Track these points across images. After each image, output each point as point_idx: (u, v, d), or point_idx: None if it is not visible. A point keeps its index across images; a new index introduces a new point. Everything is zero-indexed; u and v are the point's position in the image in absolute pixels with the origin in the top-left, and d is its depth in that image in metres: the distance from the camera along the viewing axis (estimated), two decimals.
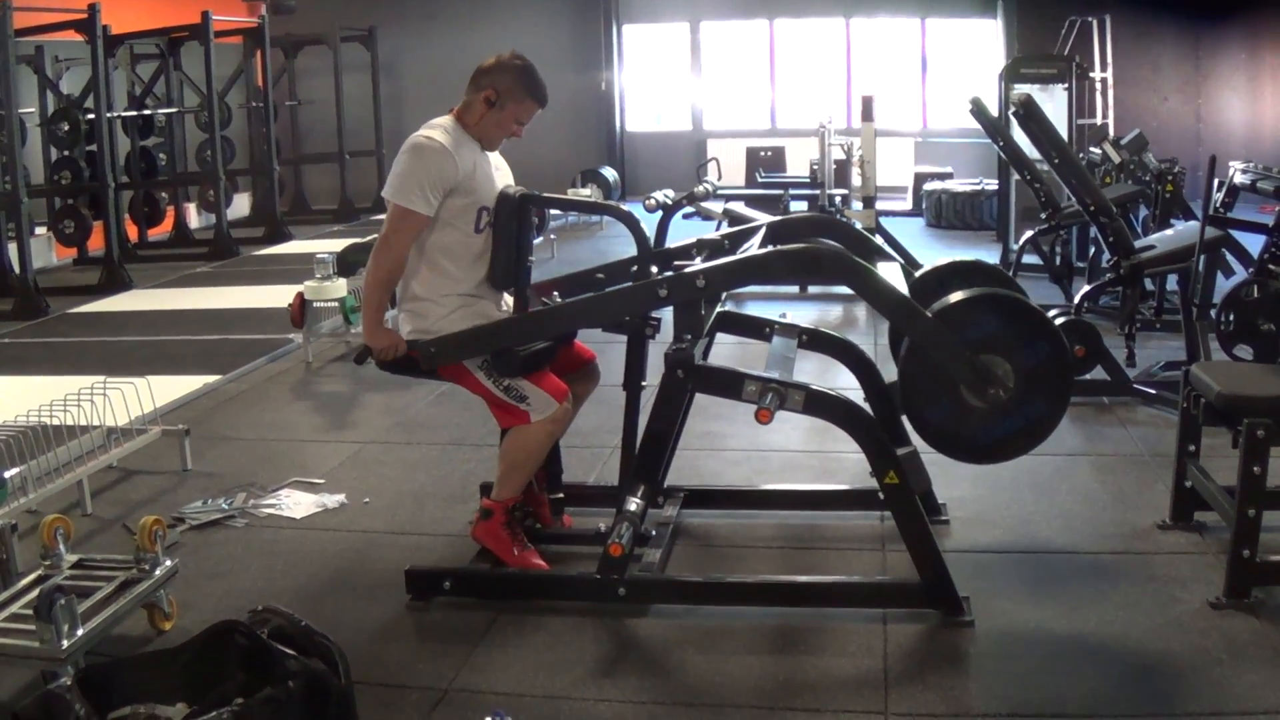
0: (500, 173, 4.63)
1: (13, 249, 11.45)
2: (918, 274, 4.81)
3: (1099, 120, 15.33)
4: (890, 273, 4.48)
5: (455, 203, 4.40)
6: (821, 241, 4.94)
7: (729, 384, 4.30)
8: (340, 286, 8.62)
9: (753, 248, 4.75)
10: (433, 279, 4.47)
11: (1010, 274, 9.35)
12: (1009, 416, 4.12)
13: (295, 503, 5.67)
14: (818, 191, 12.26)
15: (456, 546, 5.00)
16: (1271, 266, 6.63)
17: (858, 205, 11.65)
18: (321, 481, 5.96)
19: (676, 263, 4.72)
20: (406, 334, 4.51)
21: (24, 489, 5.13)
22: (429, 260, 4.47)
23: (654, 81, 20.51)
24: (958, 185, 15.56)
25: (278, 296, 9.78)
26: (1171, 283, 7.89)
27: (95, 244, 13.49)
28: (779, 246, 4.66)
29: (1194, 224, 7.09)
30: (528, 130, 4.66)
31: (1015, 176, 10.97)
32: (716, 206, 10.50)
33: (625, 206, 4.85)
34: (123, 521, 5.45)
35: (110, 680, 3.17)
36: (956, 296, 4.18)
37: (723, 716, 3.68)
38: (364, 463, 6.30)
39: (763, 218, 5.65)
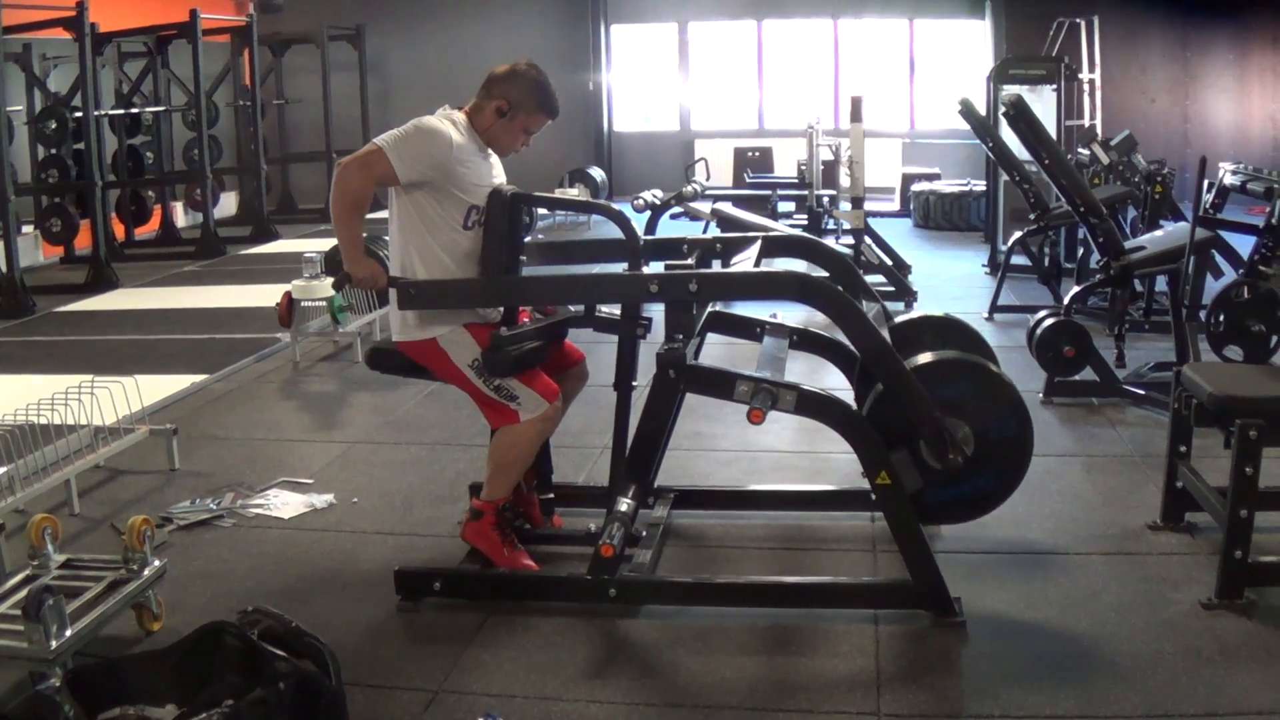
0: (496, 172, 4.63)
1: None
2: (895, 321, 4.85)
3: (1087, 121, 15.37)
4: (873, 314, 4.53)
5: (444, 199, 4.41)
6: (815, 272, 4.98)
7: (721, 384, 4.29)
8: (328, 285, 8.57)
9: (747, 262, 4.76)
10: (424, 268, 4.47)
11: (997, 283, 9.45)
12: (961, 483, 4.29)
13: (284, 503, 5.65)
14: (805, 192, 12.24)
15: (446, 547, 4.99)
16: (1261, 268, 6.64)
17: (846, 206, 11.62)
18: (310, 481, 5.94)
19: (669, 263, 4.71)
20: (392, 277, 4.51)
21: (11, 488, 5.11)
22: (422, 258, 4.46)
23: (642, 82, 20.48)
24: (946, 186, 15.56)
25: (265, 296, 9.76)
26: (1161, 284, 7.90)
27: (82, 243, 13.48)
28: (772, 269, 4.72)
29: (1183, 225, 7.10)
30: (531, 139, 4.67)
31: (1004, 177, 10.98)
32: (704, 207, 10.48)
33: (615, 206, 4.84)
34: (111, 521, 5.42)
35: (99, 681, 3.16)
36: (930, 357, 4.35)
37: (714, 718, 3.67)
38: (352, 462, 6.28)
39: (752, 219, 5.64)
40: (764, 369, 4.40)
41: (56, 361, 8.63)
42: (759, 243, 5.01)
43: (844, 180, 11.61)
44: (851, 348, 5.20)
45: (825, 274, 4.95)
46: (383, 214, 4.66)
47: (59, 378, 6.52)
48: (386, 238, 4.70)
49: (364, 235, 4.52)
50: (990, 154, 10.03)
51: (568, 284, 4.68)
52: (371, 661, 4.04)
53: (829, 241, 8.34)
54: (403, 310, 4.49)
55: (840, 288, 4.49)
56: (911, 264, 11.37)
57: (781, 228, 9.90)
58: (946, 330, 4.83)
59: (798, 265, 5.44)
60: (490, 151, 4.62)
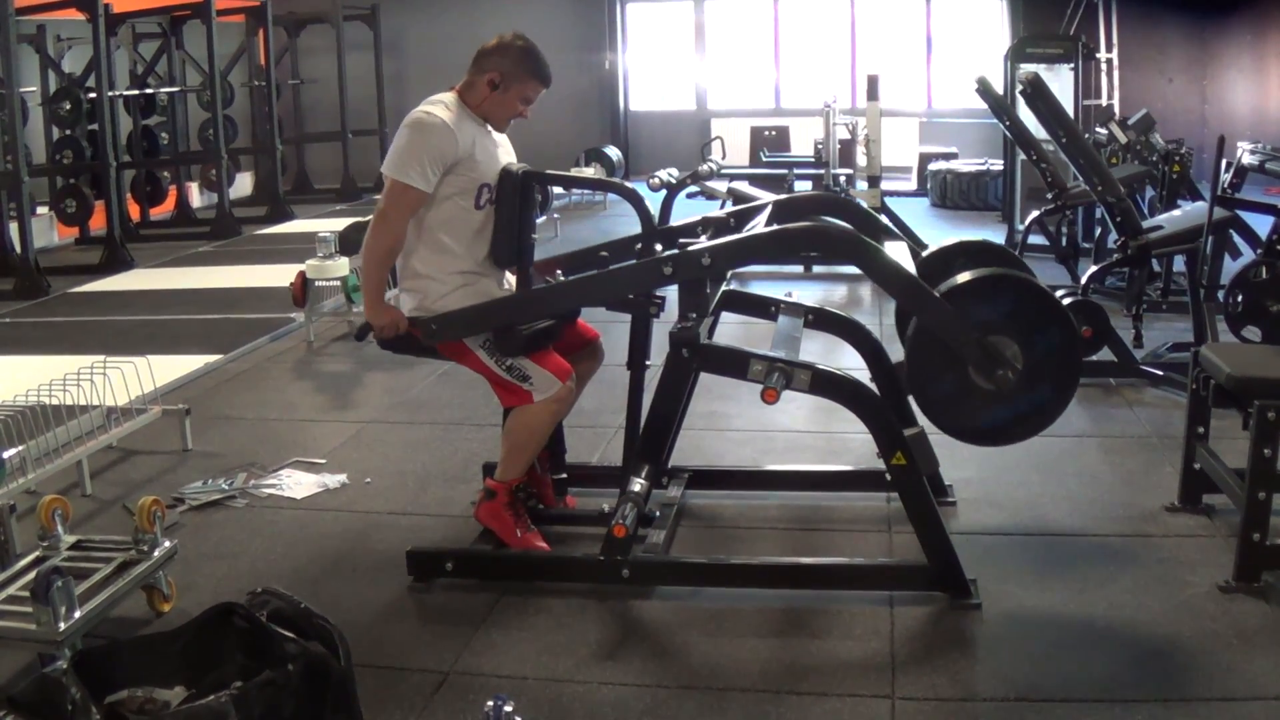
0: (502, 149, 4.60)
1: (14, 228, 11.40)
2: (925, 254, 4.76)
3: (1104, 101, 15.29)
4: (897, 252, 4.43)
5: (455, 179, 4.37)
6: (828, 220, 4.90)
7: (735, 363, 4.26)
8: (342, 265, 8.58)
9: (758, 226, 4.72)
10: (433, 256, 4.44)
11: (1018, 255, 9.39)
12: (1015, 400, 4.08)
13: (296, 483, 5.64)
14: (822, 171, 12.21)
15: (459, 527, 4.98)
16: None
17: (862, 185, 11.61)
18: (323, 462, 5.93)
19: (681, 240, 4.68)
20: (408, 311, 4.48)
21: (23, 469, 5.09)
22: (429, 237, 4.43)
23: (658, 61, 20.42)
24: (963, 165, 15.51)
25: (280, 276, 9.74)
26: (1179, 264, 7.84)
27: (97, 223, 13.50)
28: (785, 225, 4.63)
29: (1201, 205, 7.05)
30: (531, 109, 4.62)
31: (1021, 157, 10.93)
32: (721, 186, 10.45)
33: (630, 185, 4.81)
34: (122, 502, 5.41)
35: (108, 663, 3.13)
36: (965, 276, 4.13)
37: (727, 700, 3.65)
38: (365, 443, 6.27)
39: (768, 197, 5.59)
40: (779, 348, 4.37)
41: (70, 342, 8.63)
42: (769, 207, 4.96)
43: (861, 159, 11.59)
44: (866, 327, 5.21)
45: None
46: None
47: (72, 358, 6.50)
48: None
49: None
50: (1007, 133, 9.97)
51: (584, 286, 4.63)
52: (382, 643, 4.02)
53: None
54: (427, 340, 4.47)
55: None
56: (928, 243, 11.28)
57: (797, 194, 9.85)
58: (979, 253, 4.73)
59: None
60: (490, 127, 4.58)
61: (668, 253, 4.42)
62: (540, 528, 4.72)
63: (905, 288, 4.14)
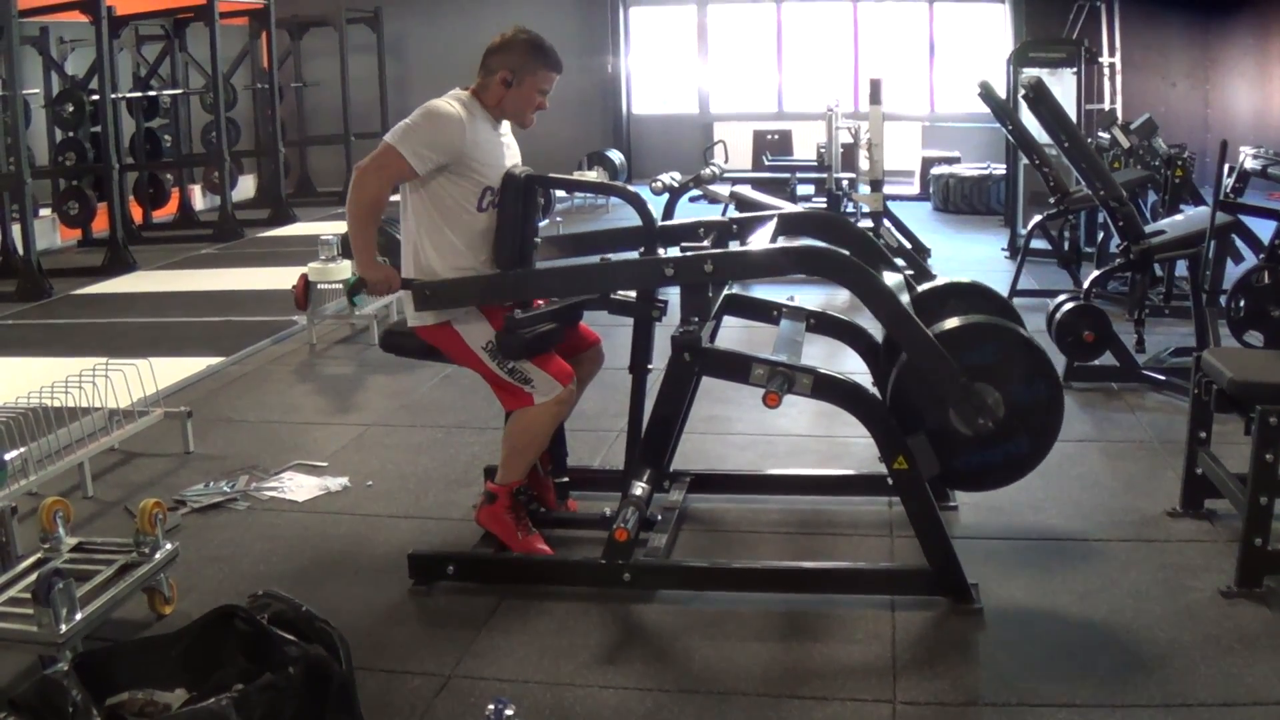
0: (510, 153, 4.60)
1: (16, 230, 11.44)
2: (918, 290, 4.78)
3: (1107, 105, 15.28)
4: (894, 283, 4.45)
5: (459, 181, 4.38)
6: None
7: (737, 367, 4.26)
8: (344, 268, 8.56)
9: (763, 239, 4.73)
10: (437, 256, 4.45)
11: (1017, 267, 9.39)
12: (992, 448, 4.17)
13: (298, 486, 5.64)
14: (825, 175, 12.21)
15: (460, 531, 4.97)
16: None
17: (865, 189, 11.59)
18: (324, 464, 5.93)
19: (684, 244, 4.68)
20: (405, 273, 4.50)
21: (24, 471, 5.09)
22: (433, 237, 4.44)
23: (661, 64, 20.42)
24: (965, 169, 15.51)
25: (282, 278, 9.75)
26: (1181, 268, 7.84)
27: (100, 225, 13.50)
28: (787, 244, 4.66)
29: (1204, 209, 7.04)
30: (549, 99, 4.63)
31: (1023, 161, 10.94)
32: (723, 189, 10.43)
33: (632, 188, 4.81)
34: (124, 504, 5.42)
35: (108, 665, 3.13)
36: (956, 321, 4.25)
37: (728, 704, 3.64)
38: (367, 446, 6.27)
39: (770, 201, 5.59)
40: (781, 352, 4.37)
41: (72, 344, 8.63)
42: (774, 220, 4.97)
43: (863, 163, 11.57)
44: (870, 332, 5.21)
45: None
46: (394, 197, 4.62)
47: (74, 360, 6.51)
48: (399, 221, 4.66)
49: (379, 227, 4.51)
50: (1010, 137, 9.98)
51: (585, 273, 4.65)
52: (383, 646, 4.02)
53: None
54: (419, 310, 4.47)
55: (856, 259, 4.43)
56: (931, 247, 11.34)
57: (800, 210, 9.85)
58: (971, 296, 4.76)
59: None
60: (505, 133, 4.59)
61: (671, 254, 4.43)
62: (541, 531, 4.72)
63: (898, 321, 4.19)
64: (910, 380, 4.20)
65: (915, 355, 4.13)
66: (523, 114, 4.57)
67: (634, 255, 4.65)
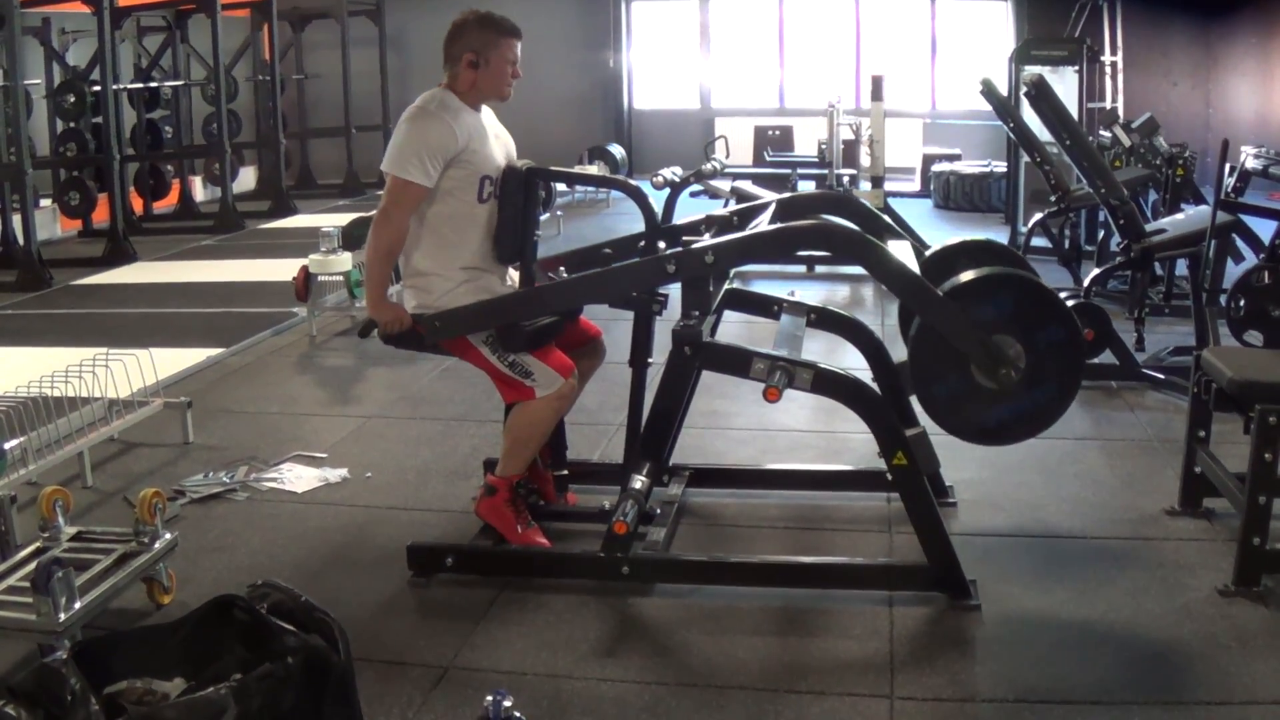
0: (499, 141, 4.60)
1: (17, 221, 11.42)
2: (928, 253, 4.76)
3: (1109, 103, 15.26)
4: (901, 250, 4.43)
5: (456, 173, 4.37)
6: (831, 219, 4.90)
7: (737, 362, 4.26)
8: (345, 260, 8.58)
9: (762, 224, 4.72)
10: (436, 252, 4.44)
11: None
12: (1017, 399, 4.08)
13: (297, 477, 5.64)
14: (826, 171, 12.21)
15: (459, 523, 4.98)
16: None
17: (866, 185, 11.60)
18: (324, 456, 5.93)
19: (685, 238, 4.68)
20: (411, 309, 4.49)
21: (24, 461, 5.10)
22: (432, 232, 4.44)
23: (662, 59, 20.42)
24: (966, 167, 15.49)
25: (282, 270, 9.75)
26: (1181, 267, 7.84)
27: (100, 216, 13.50)
28: (789, 223, 4.63)
29: (1205, 209, 7.04)
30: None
31: (1024, 159, 10.93)
32: (724, 185, 10.44)
33: (632, 182, 4.80)
34: (123, 494, 5.42)
35: (107, 654, 3.13)
36: (969, 275, 4.14)
37: (726, 698, 3.65)
38: (367, 437, 6.27)
39: (771, 196, 5.59)
40: (781, 347, 4.37)
41: (72, 334, 8.65)
42: (773, 205, 4.96)
43: (864, 160, 11.59)
44: (869, 328, 5.21)
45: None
46: None
47: (74, 350, 6.51)
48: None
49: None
50: (1011, 135, 9.98)
51: (588, 284, 4.61)
52: (382, 637, 4.03)
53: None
54: (430, 338, 4.47)
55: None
56: (931, 245, 11.30)
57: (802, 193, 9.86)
58: (981, 253, 4.72)
59: None
60: (489, 120, 4.60)
61: (671, 250, 4.42)
62: (541, 524, 4.72)
63: (909, 286, 4.13)
64: (929, 342, 4.10)
65: (931, 317, 4.08)
66: (500, 88, 4.56)
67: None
